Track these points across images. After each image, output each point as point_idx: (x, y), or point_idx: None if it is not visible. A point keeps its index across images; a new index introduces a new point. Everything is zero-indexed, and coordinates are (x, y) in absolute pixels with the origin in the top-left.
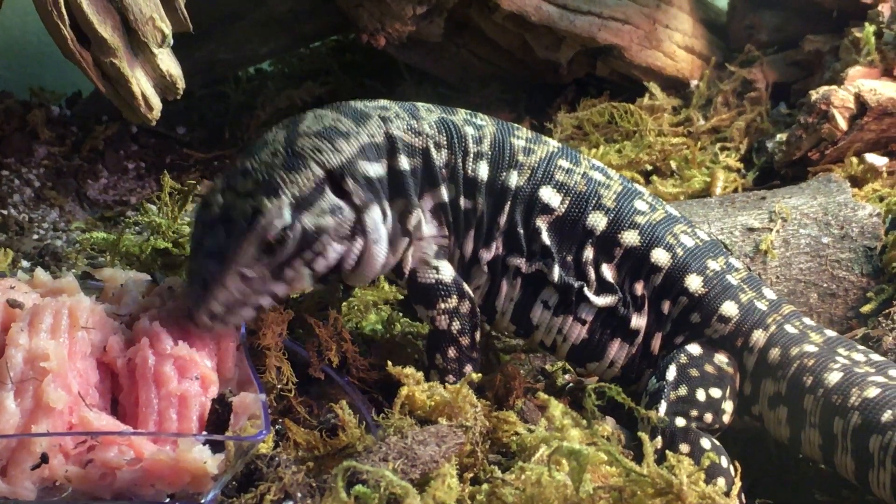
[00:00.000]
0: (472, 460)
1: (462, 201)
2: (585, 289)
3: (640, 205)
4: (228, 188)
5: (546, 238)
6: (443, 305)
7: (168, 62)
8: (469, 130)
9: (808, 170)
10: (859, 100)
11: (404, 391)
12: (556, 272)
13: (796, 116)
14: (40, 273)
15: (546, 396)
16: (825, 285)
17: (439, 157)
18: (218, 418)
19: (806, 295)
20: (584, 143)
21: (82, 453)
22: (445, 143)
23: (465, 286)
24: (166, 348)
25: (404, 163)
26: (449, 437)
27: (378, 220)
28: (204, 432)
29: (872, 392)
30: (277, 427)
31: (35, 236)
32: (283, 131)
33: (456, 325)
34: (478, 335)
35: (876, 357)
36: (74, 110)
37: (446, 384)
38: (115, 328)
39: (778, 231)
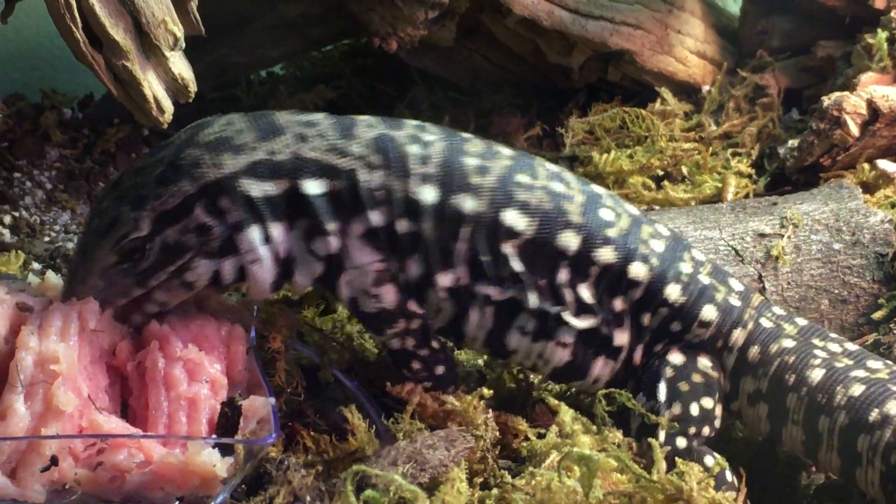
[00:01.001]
0: (482, 466)
1: (400, 224)
2: (564, 313)
3: (606, 214)
4: (116, 184)
5: (515, 264)
6: (391, 331)
7: (180, 65)
8: (412, 149)
9: (820, 176)
10: (871, 106)
11: (416, 399)
12: (532, 299)
13: (808, 122)
14: (51, 276)
15: (556, 402)
16: (836, 291)
17: (371, 179)
18: (227, 421)
19: (817, 301)
20: (595, 147)
21: (92, 456)
22: (380, 162)
23: (411, 306)
24: (176, 352)
25: (312, 185)
26: (458, 442)
27: (255, 240)
28: (213, 435)
29: (857, 390)
30: (287, 430)
31: (46, 239)
32: (186, 133)
33: (410, 342)
34: (435, 343)
35: (850, 346)
36: (86, 113)
37: (448, 392)
38: (124, 332)
39: (789, 237)
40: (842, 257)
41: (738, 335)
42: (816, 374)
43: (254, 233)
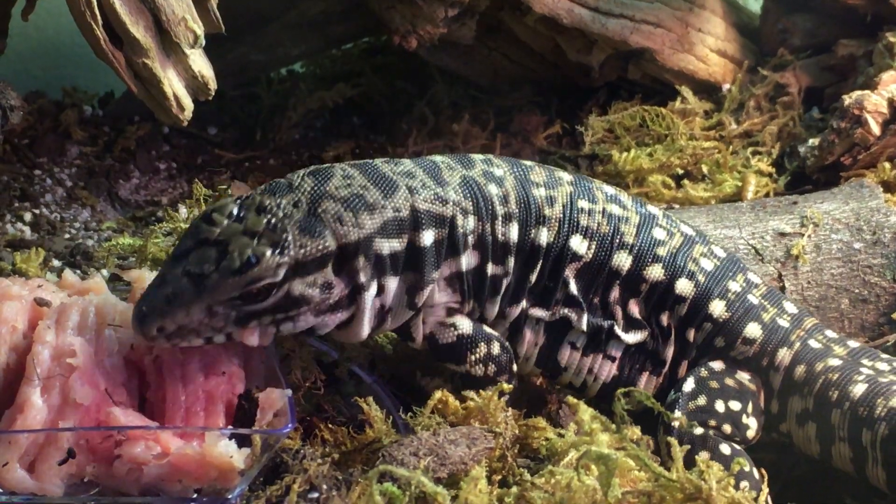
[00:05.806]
0: (501, 464)
1: (490, 267)
2: (616, 327)
3: (658, 233)
4: (238, 218)
5: (573, 286)
6: (473, 357)
7: (200, 63)
8: (493, 190)
9: (841, 175)
10: (893, 105)
11: (437, 395)
12: (585, 318)
13: (829, 121)
14: (68, 274)
15: (575, 401)
16: (857, 291)
17: (465, 225)
18: (244, 414)
19: (837, 300)
20: (615, 146)
21: (109, 449)
22: (472, 208)
23: (486, 328)
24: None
25: (427, 238)
26: (479, 441)
27: (372, 296)
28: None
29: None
30: (305, 425)
31: (66, 236)
32: (311, 181)
33: (492, 369)
34: (514, 367)
35: None
36: (107, 110)
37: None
38: None
39: (809, 236)
40: (862, 256)
41: (785, 354)
42: (859, 389)
43: (373, 289)
